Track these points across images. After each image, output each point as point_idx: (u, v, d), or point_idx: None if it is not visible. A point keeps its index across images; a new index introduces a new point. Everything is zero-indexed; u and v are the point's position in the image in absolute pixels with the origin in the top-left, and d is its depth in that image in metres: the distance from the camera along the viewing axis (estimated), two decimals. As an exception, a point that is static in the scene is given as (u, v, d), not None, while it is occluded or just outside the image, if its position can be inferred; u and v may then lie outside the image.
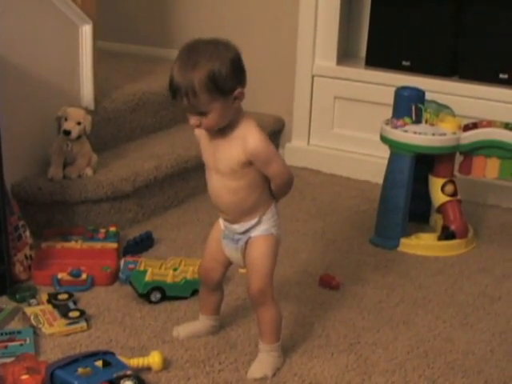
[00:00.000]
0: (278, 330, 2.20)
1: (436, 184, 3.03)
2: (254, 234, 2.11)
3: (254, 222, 2.10)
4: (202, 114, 1.95)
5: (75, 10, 3.07)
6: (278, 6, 3.86)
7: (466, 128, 2.99)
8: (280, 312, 2.20)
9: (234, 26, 3.84)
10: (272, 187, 2.09)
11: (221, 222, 2.20)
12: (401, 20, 3.63)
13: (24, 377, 2.00)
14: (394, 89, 3.08)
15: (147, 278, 2.51)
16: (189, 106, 1.95)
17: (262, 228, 2.11)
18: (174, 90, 1.96)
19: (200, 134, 2.11)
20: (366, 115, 3.69)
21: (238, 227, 2.12)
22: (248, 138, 1.99)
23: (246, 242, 2.13)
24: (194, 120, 1.98)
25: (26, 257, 2.66)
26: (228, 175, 2.04)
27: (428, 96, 3.05)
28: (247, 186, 2.05)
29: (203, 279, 2.31)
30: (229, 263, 2.24)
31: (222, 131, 2.03)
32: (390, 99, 3.08)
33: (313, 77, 3.81)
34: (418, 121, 2.99)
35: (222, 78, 1.92)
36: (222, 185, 2.07)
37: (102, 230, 2.88)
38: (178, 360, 2.22)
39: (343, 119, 3.80)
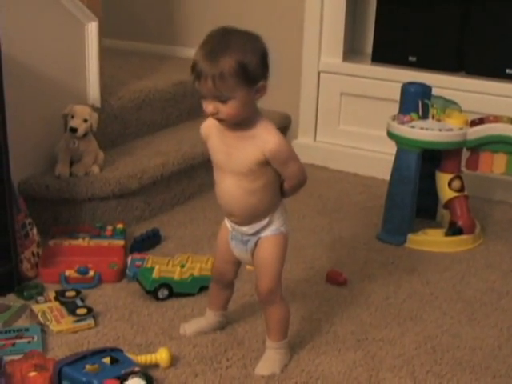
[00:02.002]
0: (285, 328, 2.20)
1: (443, 180, 3.03)
2: (265, 234, 2.09)
3: (264, 222, 2.08)
4: (223, 100, 1.89)
5: (81, 7, 3.07)
6: (284, 2, 3.86)
7: (473, 123, 2.98)
8: (288, 310, 2.19)
9: (239, 23, 3.78)
10: (285, 187, 2.07)
11: (227, 223, 2.18)
12: (407, 16, 3.62)
13: (32, 374, 2.00)
14: (400, 85, 3.08)
15: (154, 274, 2.51)
16: (213, 89, 1.88)
17: (272, 228, 2.09)
18: (198, 71, 1.88)
19: (208, 133, 2.08)
20: (372, 111, 3.69)
21: (248, 229, 2.10)
22: (267, 138, 1.96)
23: (255, 243, 2.11)
24: (211, 107, 1.91)
25: (34, 254, 2.66)
26: (245, 176, 2.00)
27: (435, 92, 3.05)
28: (263, 187, 2.02)
29: (216, 279, 2.31)
30: (240, 261, 2.23)
31: (236, 130, 1.98)
32: (397, 95, 3.08)
33: (319, 73, 3.81)
34: (424, 116, 2.99)
35: (252, 67, 1.88)
36: (237, 186, 2.02)
37: (109, 228, 2.88)
38: (185, 356, 2.22)
39: (349, 115, 3.80)
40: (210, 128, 2.07)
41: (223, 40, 1.90)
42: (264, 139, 1.96)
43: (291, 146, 2.04)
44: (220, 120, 1.96)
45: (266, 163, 1.98)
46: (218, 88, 1.87)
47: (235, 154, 1.99)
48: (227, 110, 1.91)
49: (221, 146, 2.03)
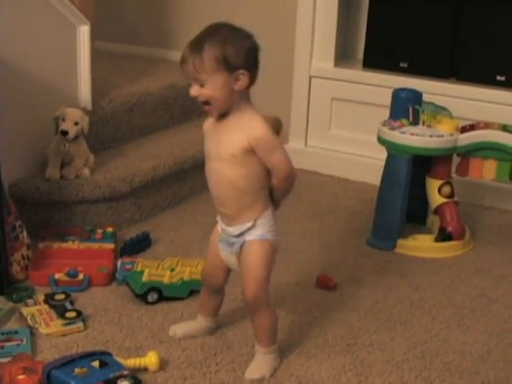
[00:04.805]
0: (273, 334, 2.19)
1: (433, 185, 3.03)
2: (249, 238, 2.11)
3: (249, 224, 2.09)
4: (202, 84, 1.99)
5: (73, 10, 3.07)
6: (275, 7, 3.86)
7: (464, 130, 2.99)
8: (275, 317, 2.19)
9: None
10: (273, 183, 2.10)
11: (218, 226, 2.20)
12: (398, 21, 3.63)
13: (21, 377, 2.00)
14: (391, 90, 3.09)
15: (144, 278, 2.51)
16: (193, 71, 1.98)
17: (257, 233, 2.10)
18: (183, 56, 2.00)
19: (207, 128, 2.14)
20: (363, 116, 3.69)
21: (234, 230, 2.11)
22: (253, 125, 2.02)
23: (241, 247, 2.13)
24: (194, 90, 2.01)
25: (23, 257, 2.66)
26: (229, 162, 2.04)
27: (425, 97, 3.06)
28: (246, 176, 2.05)
29: (205, 283, 2.32)
30: (230, 268, 2.24)
31: (227, 120, 2.05)
32: (388, 101, 3.09)
33: (310, 78, 3.81)
34: (415, 122, 2.99)
35: (232, 54, 1.97)
36: (221, 173, 2.06)
37: (100, 231, 2.88)
38: (174, 360, 2.22)
39: (341, 120, 3.81)
40: (208, 124, 2.14)
41: (209, 30, 2.03)
42: (250, 126, 2.02)
43: (276, 137, 2.08)
44: (204, 105, 2.04)
45: (250, 151, 2.02)
46: (197, 70, 1.98)
47: (223, 141, 2.05)
48: (205, 91, 2.00)
49: (213, 136, 2.10)
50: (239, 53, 1.98)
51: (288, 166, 2.08)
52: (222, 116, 2.06)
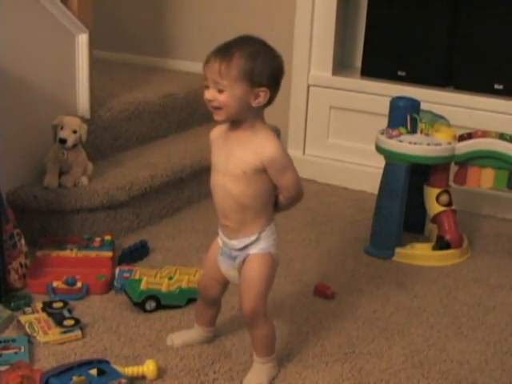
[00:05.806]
0: (271, 345, 2.19)
1: (431, 194, 3.04)
2: (252, 251, 2.09)
3: (253, 238, 2.08)
4: (220, 90, 1.96)
5: (72, 18, 3.07)
6: (273, 15, 3.87)
7: (461, 138, 3.00)
8: (273, 329, 2.18)
9: (229, 37, 3.84)
10: (280, 199, 2.09)
11: (219, 239, 2.19)
12: (396, 30, 3.64)
13: (19, 385, 2.00)
14: (389, 99, 3.09)
15: (142, 286, 2.51)
16: (216, 73, 1.95)
17: (260, 246, 2.09)
18: (210, 55, 1.98)
19: (214, 137, 2.12)
20: (361, 125, 3.70)
21: (237, 243, 2.10)
22: (266, 145, 2.00)
23: (243, 260, 2.11)
24: (210, 94, 1.98)
25: (21, 265, 2.66)
26: (236, 178, 2.02)
27: (423, 106, 3.06)
28: (252, 193, 2.03)
29: (202, 295, 2.31)
30: (227, 281, 2.23)
31: (238, 134, 2.03)
32: (386, 109, 3.09)
33: (308, 86, 3.82)
34: (413, 131, 3.00)
35: (259, 68, 1.97)
36: (227, 187, 2.04)
37: (98, 239, 2.88)
38: (172, 369, 2.22)
39: (338, 129, 3.81)
40: (217, 133, 2.13)
41: (242, 40, 2.02)
42: (262, 145, 2.00)
43: (289, 157, 2.07)
44: (214, 109, 2.00)
45: (261, 170, 2.01)
46: (221, 74, 1.95)
47: (234, 157, 2.03)
48: (222, 98, 1.96)
49: (222, 149, 2.07)
50: (265, 70, 1.98)
51: (297, 186, 2.08)
52: (234, 127, 2.04)
